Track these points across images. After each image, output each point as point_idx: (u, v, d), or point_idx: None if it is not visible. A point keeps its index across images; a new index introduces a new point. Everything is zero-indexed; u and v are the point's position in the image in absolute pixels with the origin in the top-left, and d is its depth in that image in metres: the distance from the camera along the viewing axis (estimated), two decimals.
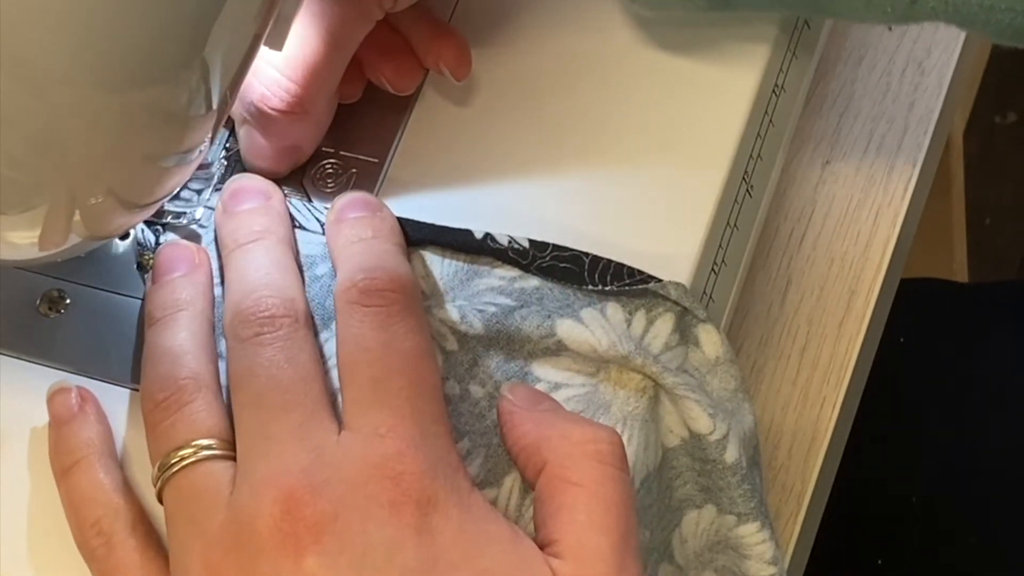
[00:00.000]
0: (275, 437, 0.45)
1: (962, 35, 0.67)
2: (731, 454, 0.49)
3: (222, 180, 0.54)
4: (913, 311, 0.80)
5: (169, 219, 0.54)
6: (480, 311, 0.50)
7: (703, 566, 0.52)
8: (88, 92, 0.39)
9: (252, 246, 0.50)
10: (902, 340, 0.82)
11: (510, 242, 0.51)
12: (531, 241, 0.51)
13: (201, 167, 0.54)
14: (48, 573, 0.49)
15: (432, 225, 0.52)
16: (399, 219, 0.52)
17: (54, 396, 0.50)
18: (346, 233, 0.51)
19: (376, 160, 0.55)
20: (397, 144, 0.55)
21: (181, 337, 0.49)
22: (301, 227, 0.52)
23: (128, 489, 0.49)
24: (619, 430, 0.49)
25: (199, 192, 0.54)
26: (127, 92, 0.40)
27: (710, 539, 0.52)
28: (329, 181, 0.54)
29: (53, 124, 0.40)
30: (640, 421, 0.49)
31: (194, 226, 0.53)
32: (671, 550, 0.52)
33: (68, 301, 0.53)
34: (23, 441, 0.51)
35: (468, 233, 0.52)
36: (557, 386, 0.50)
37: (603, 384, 0.50)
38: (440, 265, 0.52)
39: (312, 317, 0.49)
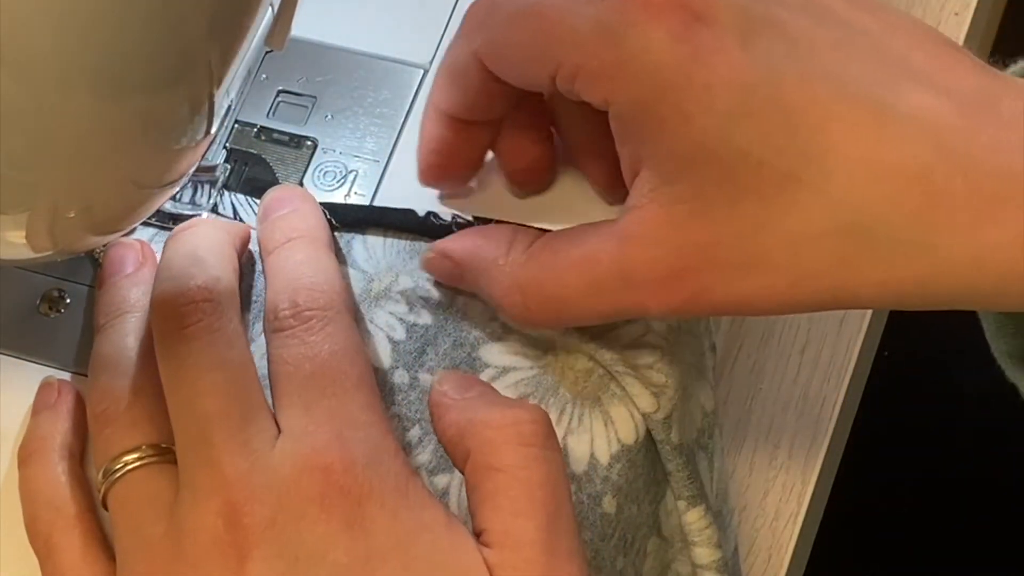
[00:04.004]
0: (214, 444, 0.45)
1: (962, 35, 0.67)
2: (675, 435, 0.50)
3: (226, 183, 0.54)
4: (906, 323, 0.80)
5: (173, 224, 0.54)
6: (425, 299, 0.50)
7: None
8: (84, 98, 0.39)
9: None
10: (887, 354, 0.82)
11: (454, 217, 0.52)
12: (476, 217, 0.52)
13: (206, 170, 0.54)
14: None
15: (372, 207, 0.53)
16: (337, 205, 0.52)
17: (41, 388, 0.51)
18: (268, 236, 0.51)
19: (376, 160, 0.55)
20: (397, 144, 0.55)
21: (126, 343, 0.49)
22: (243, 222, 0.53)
23: (80, 487, 0.48)
24: (569, 410, 0.49)
25: (203, 193, 0.54)
26: (124, 100, 0.40)
27: None
28: (329, 181, 0.54)
29: (50, 127, 0.39)
30: (591, 400, 0.50)
31: None
32: (658, 523, 0.51)
33: (68, 301, 0.53)
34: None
35: (411, 212, 0.52)
36: (505, 370, 0.50)
37: (551, 366, 0.50)
38: (382, 247, 0.52)
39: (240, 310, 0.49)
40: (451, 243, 0.50)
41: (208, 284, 0.48)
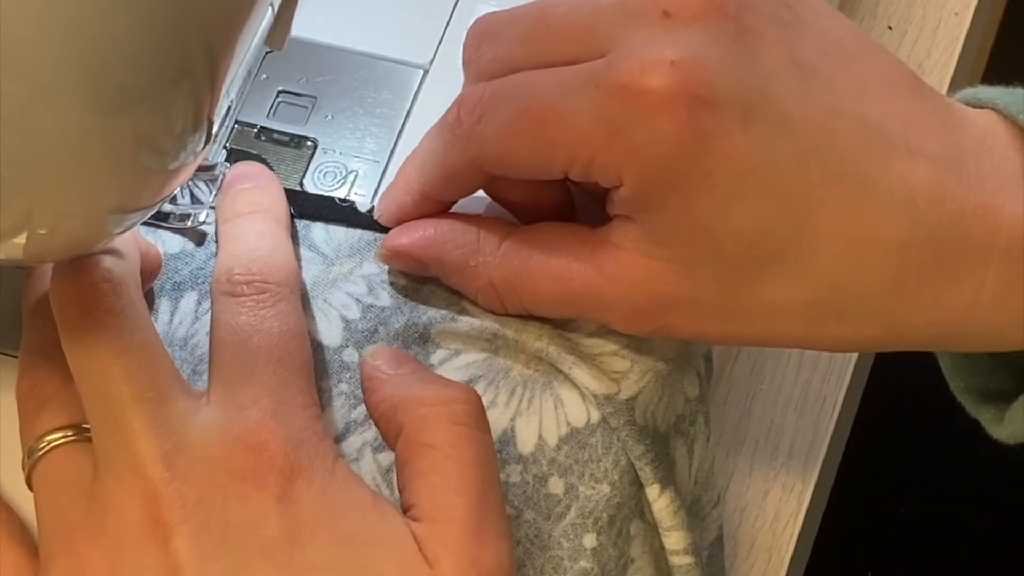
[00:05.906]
0: (131, 428, 0.45)
1: (962, 35, 0.67)
2: (640, 420, 0.50)
3: None
4: None
5: (174, 222, 0.54)
6: (392, 284, 0.51)
7: None
8: (83, 102, 0.39)
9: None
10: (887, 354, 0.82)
11: None
12: None
13: (205, 168, 0.54)
14: None
15: (327, 199, 0.53)
16: (298, 194, 0.53)
17: None
18: (227, 207, 0.51)
19: (376, 160, 0.55)
20: (397, 144, 0.55)
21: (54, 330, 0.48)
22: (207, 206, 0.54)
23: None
24: (519, 392, 0.50)
25: (204, 191, 0.54)
26: (122, 105, 0.40)
27: None
28: (330, 181, 0.54)
29: (44, 132, 0.39)
30: (542, 382, 0.50)
31: (200, 227, 0.54)
32: (641, 506, 0.51)
33: None
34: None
35: (354, 210, 0.53)
36: (457, 352, 0.50)
37: (503, 348, 0.50)
38: (344, 232, 0.53)
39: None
40: (404, 240, 0.51)
41: (108, 266, 0.47)
